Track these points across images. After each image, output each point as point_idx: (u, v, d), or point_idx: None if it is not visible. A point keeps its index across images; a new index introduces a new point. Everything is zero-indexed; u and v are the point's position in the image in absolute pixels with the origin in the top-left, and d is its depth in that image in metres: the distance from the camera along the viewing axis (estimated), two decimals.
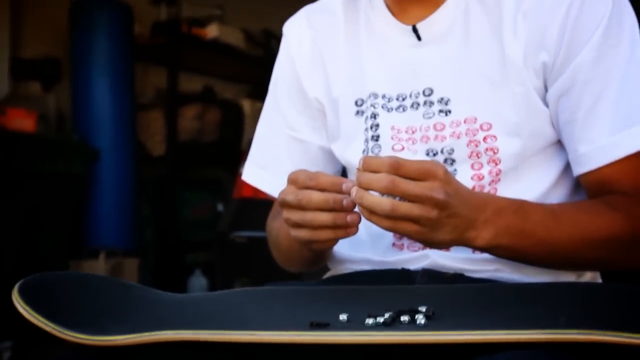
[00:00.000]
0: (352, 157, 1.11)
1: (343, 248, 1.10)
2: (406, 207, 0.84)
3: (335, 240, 0.93)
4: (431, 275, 1.01)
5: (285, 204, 0.91)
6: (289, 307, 0.91)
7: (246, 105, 4.78)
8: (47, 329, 0.80)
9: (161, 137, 4.39)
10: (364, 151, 1.09)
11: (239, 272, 2.45)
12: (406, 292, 0.94)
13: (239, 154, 4.11)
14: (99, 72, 3.86)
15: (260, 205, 2.38)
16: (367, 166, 0.86)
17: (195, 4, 4.60)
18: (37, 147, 3.41)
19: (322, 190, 0.89)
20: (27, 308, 0.82)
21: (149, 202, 4.33)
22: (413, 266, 1.04)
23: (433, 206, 0.85)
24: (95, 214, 3.82)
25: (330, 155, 1.19)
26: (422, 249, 1.03)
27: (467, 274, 1.01)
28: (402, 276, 1.01)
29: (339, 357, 0.87)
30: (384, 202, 0.84)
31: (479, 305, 0.87)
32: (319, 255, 1.11)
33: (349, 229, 0.90)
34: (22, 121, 3.48)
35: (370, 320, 0.79)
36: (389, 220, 0.85)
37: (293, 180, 0.91)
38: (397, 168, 0.85)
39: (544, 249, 0.94)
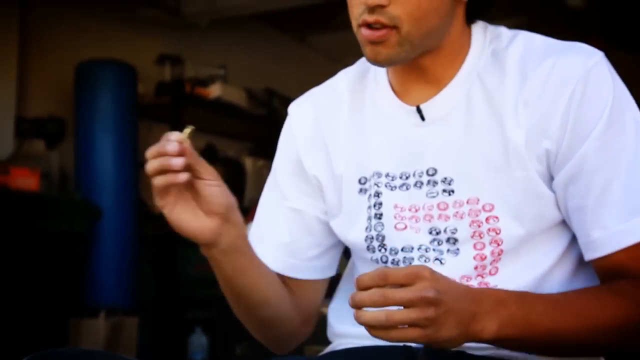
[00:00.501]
0: (354, 235, 1.12)
1: (345, 322, 1.11)
2: (401, 314, 0.86)
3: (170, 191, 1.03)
4: (433, 354, 1.01)
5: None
6: None
7: (248, 162, 4.82)
8: None
9: None
10: (366, 228, 1.10)
11: (240, 336, 2.43)
12: None
13: (242, 212, 4.13)
14: (103, 130, 3.90)
15: None
16: (359, 284, 0.88)
17: (199, 64, 4.67)
18: (40, 205, 3.43)
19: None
20: None
21: (150, 259, 4.33)
22: (415, 344, 1.03)
23: (427, 305, 0.86)
24: (96, 272, 3.81)
25: (328, 228, 1.20)
26: None
27: (468, 351, 1.02)
28: (403, 353, 1.01)
29: None
30: (378, 315, 0.86)
31: None
32: (268, 319, 1.15)
33: (177, 174, 0.99)
34: (26, 180, 3.51)
35: None
36: (390, 331, 0.87)
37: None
38: (385, 279, 0.87)
39: (550, 338, 0.95)
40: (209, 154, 4.72)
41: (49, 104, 4.20)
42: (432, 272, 0.89)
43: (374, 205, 1.10)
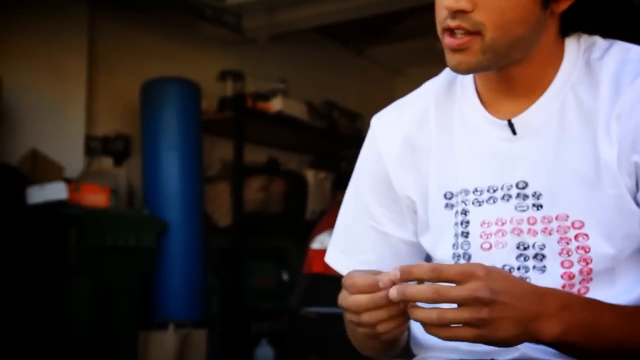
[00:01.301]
0: (442, 251, 1.11)
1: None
2: (454, 313, 0.85)
3: (399, 328, 0.94)
4: None
5: (344, 309, 0.95)
6: None
7: (310, 175, 4.85)
8: None
9: (227, 209, 4.48)
10: (454, 245, 1.09)
11: (310, 348, 2.46)
12: None
13: (304, 224, 4.16)
14: (168, 146, 3.99)
15: (330, 281, 2.40)
16: (411, 275, 0.87)
17: (260, 79, 4.74)
18: (110, 221, 3.52)
19: (363, 292, 0.91)
20: None
21: (216, 273, 4.40)
22: (502, 357, 1.03)
23: (481, 306, 0.85)
24: (164, 286, 3.89)
25: (414, 249, 1.18)
26: None
27: (494, 355, 1.00)
28: None
29: None
30: (431, 313, 0.86)
31: None
32: (391, 343, 1.11)
33: (404, 317, 0.91)
34: (96, 197, 3.60)
35: None
36: (443, 329, 0.86)
37: (344, 286, 0.95)
38: (438, 274, 0.86)
39: (614, 350, 0.93)
40: (271, 168, 4.78)
41: (116, 122, 4.31)
42: (488, 271, 0.87)
43: (461, 223, 1.08)
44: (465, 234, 1.08)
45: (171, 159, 3.99)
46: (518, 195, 1.05)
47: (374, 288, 0.90)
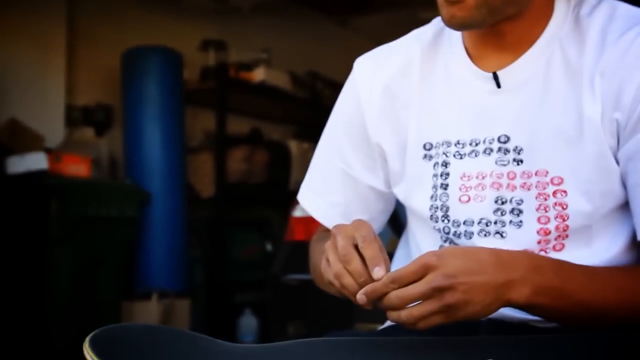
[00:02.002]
0: (418, 202, 1.11)
1: None
2: (419, 308, 0.87)
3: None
4: (496, 326, 1.00)
5: (331, 252, 0.94)
6: None
7: (293, 146, 4.84)
8: None
9: (210, 179, 4.46)
10: (431, 197, 1.09)
11: (292, 315, 2.47)
12: (471, 343, 0.94)
13: (287, 195, 4.16)
14: (150, 117, 3.96)
15: None
16: (374, 295, 0.89)
17: (242, 48, 4.70)
18: (92, 191, 3.50)
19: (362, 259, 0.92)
20: None
21: (199, 243, 4.39)
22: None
23: (442, 293, 0.86)
24: (147, 255, 3.89)
25: (382, 197, 1.19)
26: None
27: (532, 323, 1.01)
28: (466, 326, 0.98)
29: None
30: (401, 315, 0.88)
31: (547, 357, 0.86)
32: None
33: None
34: (77, 167, 3.58)
35: None
36: (417, 323, 0.88)
37: (349, 236, 0.94)
38: (398, 282, 0.88)
39: (586, 311, 0.93)
40: (254, 138, 4.76)
41: (97, 92, 4.27)
42: (440, 258, 0.88)
43: (441, 175, 1.08)
44: (445, 186, 1.08)
45: (153, 129, 3.96)
46: (499, 149, 1.04)
47: (371, 264, 0.91)
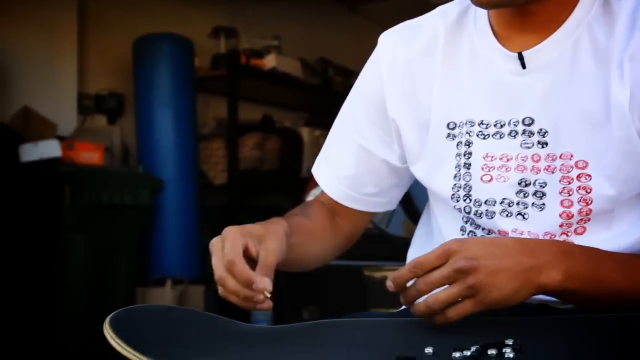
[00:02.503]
0: (440, 182, 1.10)
1: None
2: (444, 292, 0.88)
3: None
4: (516, 306, 0.98)
5: (216, 255, 0.95)
6: (372, 340, 0.91)
7: (305, 133, 4.84)
8: None
9: (222, 166, 4.46)
10: (455, 176, 1.08)
11: (307, 300, 2.47)
12: (492, 323, 0.94)
13: (299, 181, 4.16)
14: (162, 104, 3.96)
15: None
16: (397, 282, 0.91)
17: (253, 35, 4.69)
18: (104, 179, 3.51)
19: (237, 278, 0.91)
20: (119, 341, 0.84)
21: (212, 231, 4.39)
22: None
23: (463, 275, 0.87)
24: (161, 242, 3.90)
25: (395, 173, 1.19)
26: None
27: (551, 304, 1.00)
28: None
29: None
30: (426, 302, 0.89)
31: (567, 337, 0.86)
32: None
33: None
34: (90, 154, 3.59)
35: (457, 354, 0.80)
36: (446, 313, 0.88)
37: (237, 241, 0.94)
38: (420, 267, 0.89)
39: (618, 296, 0.93)
40: (266, 125, 4.76)
41: (109, 80, 4.28)
42: (462, 243, 0.89)
43: (464, 155, 1.07)
44: (467, 165, 1.07)
45: (165, 116, 3.97)
46: (524, 131, 1.03)
47: (247, 285, 0.91)
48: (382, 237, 2.22)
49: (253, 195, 4.70)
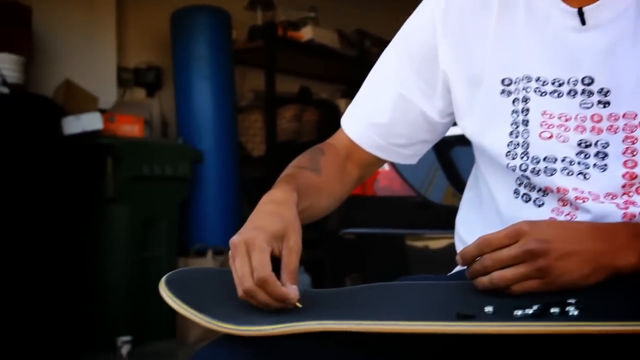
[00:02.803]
0: (494, 139, 1.07)
1: (475, 232, 1.05)
2: (511, 271, 0.87)
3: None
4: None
5: (241, 264, 0.88)
6: (430, 300, 0.90)
7: (342, 104, 4.83)
8: (197, 320, 0.82)
9: (261, 138, 4.48)
10: (510, 133, 1.05)
11: (349, 269, 2.48)
12: None
13: None
14: (200, 76, 3.98)
15: (366, 202, 2.41)
16: (466, 258, 0.91)
17: (290, 7, 4.68)
18: (145, 151, 3.55)
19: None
20: (177, 301, 0.84)
21: (251, 202, 4.42)
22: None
23: (533, 257, 0.86)
24: (201, 213, 3.94)
25: (431, 127, 1.15)
26: None
27: None
28: None
29: (481, 350, 0.88)
30: (492, 278, 0.88)
31: (630, 295, 0.85)
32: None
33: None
34: (130, 127, 3.62)
35: (518, 312, 0.79)
36: (511, 287, 0.87)
37: (264, 249, 0.88)
38: (488, 245, 0.89)
39: None
40: (303, 97, 4.75)
41: (147, 53, 4.30)
42: (533, 225, 0.88)
43: (522, 111, 1.04)
44: (525, 122, 1.03)
45: (203, 88, 3.98)
46: (583, 91, 1.00)
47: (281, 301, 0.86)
48: (424, 205, 2.22)
49: None
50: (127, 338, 3.26)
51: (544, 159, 1.02)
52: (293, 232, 0.92)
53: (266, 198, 0.99)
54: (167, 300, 0.85)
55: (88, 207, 3.34)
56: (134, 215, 3.49)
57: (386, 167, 2.31)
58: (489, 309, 0.81)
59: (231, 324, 0.81)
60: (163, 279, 0.89)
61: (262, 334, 0.80)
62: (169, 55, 4.11)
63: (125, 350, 3.24)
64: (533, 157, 1.03)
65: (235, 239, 0.90)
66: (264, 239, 0.89)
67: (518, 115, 1.04)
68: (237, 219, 4.04)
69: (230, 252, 0.90)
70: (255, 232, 0.90)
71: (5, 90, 3.24)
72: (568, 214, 1.00)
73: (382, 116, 1.15)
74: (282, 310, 0.86)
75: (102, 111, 3.56)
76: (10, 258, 2.99)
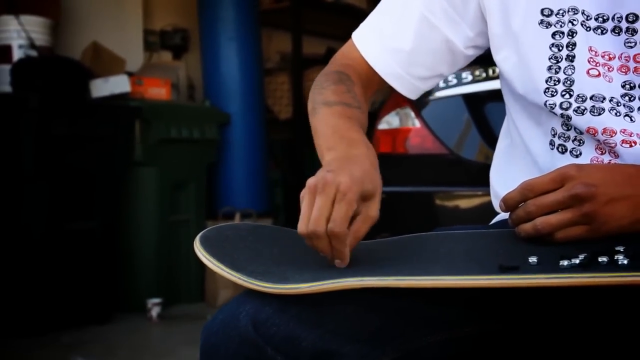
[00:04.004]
0: (531, 74, 1.00)
1: (508, 185, 0.97)
2: (556, 217, 0.83)
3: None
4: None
5: (306, 207, 0.84)
6: (470, 250, 0.88)
7: None
8: (232, 278, 0.80)
9: (287, 101, 4.45)
10: (549, 68, 0.98)
11: (379, 228, 2.46)
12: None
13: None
14: (227, 39, 3.95)
15: (398, 160, 2.38)
16: (509, 204, 0.87)
17: None
18: (173, 114, 3.54)
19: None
20: (212, 259, 0.82)
21: (278, 165, 4.41)
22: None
23: (579, 202, 0.82)
24: (228, 176, 3.94)
25: (451, 54, 1.07)
26: None
27: None
28: None
29: (526, 302, 0.85)
30: (535, 224, 0.84)
31: None
32: None
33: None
34: (158, 90, 3.62)
35: (564, 262, 0.75)
36: (555, 234, 0.84)
37: (330, 197, 0.83)
38: (531, 190, 0.85)
39: None
40: (330, 59, 4.71)
41: (173, 16, 4.28)
42: (580, 168, 0.84)
43: (566, 46, 0.98)
44: (571, 58, 0.97)
45: (230, 50, 3.96)
46: (627, 29, 0.95)
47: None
48: (456, 162, 2.19)
49: None
50: (157, 300, 3.29)
51: (591, 98, 0.96)
52: (376, 201, 0.86)
53: (355, 145, 0.91)
54: (201, 258, 0.83)
55: (116, 170, 3.35)
56: (162, 178, 3.50)
57: (417, 124, 2.27)
58: (533, 259, 0.78)
59: (268, 283, 0.79)
60: (198, 237, 0.86)
61: (300, 291, 0.77)
62: (195, 17, 4.09)
63: (155, 312, 3.27)
64: (578, 95, 0.97)
65: (329, 178, 0.82)
66: (355, 195, 0.82)
67: (560, 50, 0.98)
68: (265, 182, 4.04)
69: (310, 183, 0.84)
70: (350, 182, 0.82)
71: (33, 53, 3.24)
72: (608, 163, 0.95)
73: (404, 41, 1.06)
74: (322, 266, 0.83)
75: (130, 74, 3.55)
76: (41, 221, 3.01)
